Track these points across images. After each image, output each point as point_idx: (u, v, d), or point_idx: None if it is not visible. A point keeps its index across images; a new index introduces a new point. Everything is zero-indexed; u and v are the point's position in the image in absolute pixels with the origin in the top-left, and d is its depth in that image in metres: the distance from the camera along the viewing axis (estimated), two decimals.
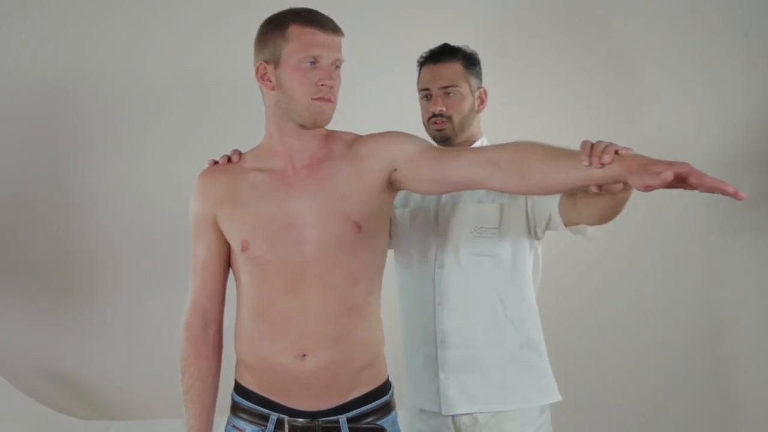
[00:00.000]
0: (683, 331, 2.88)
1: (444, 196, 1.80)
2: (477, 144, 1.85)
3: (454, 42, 1.88)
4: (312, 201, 1.50)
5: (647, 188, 1.15)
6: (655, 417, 2.89)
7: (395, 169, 1.51)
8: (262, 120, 1.58)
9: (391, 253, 1.88)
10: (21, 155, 2.78)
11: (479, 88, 1.87)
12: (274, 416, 1.53)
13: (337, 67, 1.49)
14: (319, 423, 1.51)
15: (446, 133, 1.81)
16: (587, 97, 2.84)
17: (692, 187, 1.13)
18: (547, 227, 1.72)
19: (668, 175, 1.11)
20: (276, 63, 1.49)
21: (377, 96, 2.70)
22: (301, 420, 1.51)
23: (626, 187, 1.31)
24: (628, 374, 2.87)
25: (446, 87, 1.81)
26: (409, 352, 1.86)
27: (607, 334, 2.85)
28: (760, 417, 2.89)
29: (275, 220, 1.50)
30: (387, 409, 1.57)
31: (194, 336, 1.59)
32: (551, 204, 1.65)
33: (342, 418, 1.51)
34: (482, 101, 1.88)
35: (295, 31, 1.47)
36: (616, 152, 1.20)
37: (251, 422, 1.54)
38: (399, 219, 1.86)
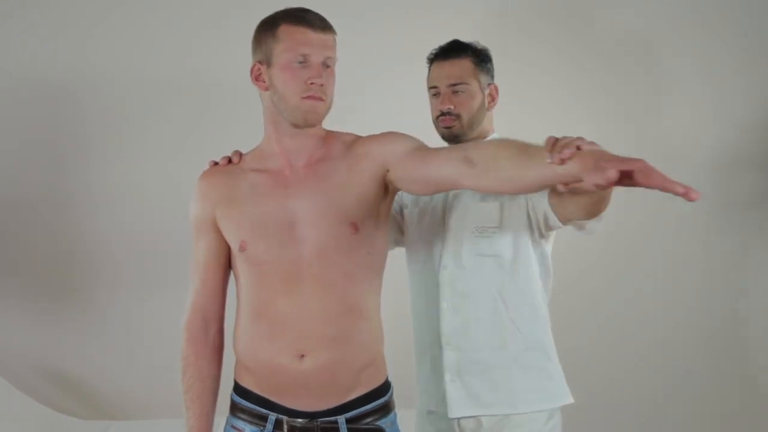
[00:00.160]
0: (683, 331, 2.88)
1: (450, 195, 1.78)
2: None
3: None
4: (309, 201, 1.50)
5: (599, 187, 1.09)
6: (655, 417, 2.89)
7: (388, 170, 1.50)
8: (262, 120, 1.58)
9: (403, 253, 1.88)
10: (21, 155, 2.78)
11: (490, 84, 1.84)
12: (272, 416, 1.52)
13: (329, 65, 1.49)
14: (318, 423, 1.50)
15: (455, 132, 1.78)
16: (587, 97, 2.84)
17: (641, 185, 1.05)
18: (547, 225, 1.69)
19: (612, 173, 1.04)
20: (268, 63, 1.49)
21: (377, 96, 2.70)
22: (299, 420, 1.51)
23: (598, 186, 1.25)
24: (628, 374, 2.87)
25: (455, 84, 1.78)
26: (419, 354, 1.86)
27: (607, 334, 2.85)
28: (761, 417, 2.89)
29: (273, 220, 1.50)
30: (386, 409, 1.57)
31: (194, 336, 1.59)
32: (544, 201, 1.63)
33: (341, 419, 1.51)
34: (493, 98, 1.84)
35: (284, 30, 1.47)
36: (579, 148, 1.14)
37: (250, 422, 1.54)
38: (408, 218, 1.85)
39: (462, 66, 1.80)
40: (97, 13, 2.77)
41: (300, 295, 1.49)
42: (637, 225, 2.82)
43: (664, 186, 1.02)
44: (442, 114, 1.79)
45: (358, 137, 1.57)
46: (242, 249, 1.52)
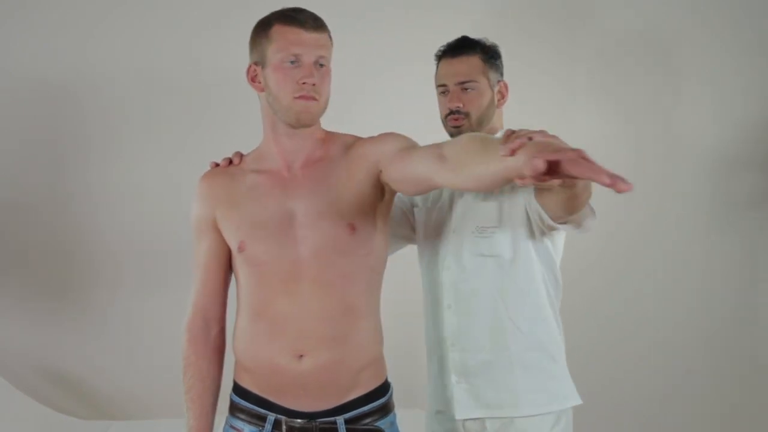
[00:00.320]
0: (683, 331, 2.88)
1: (455, 194, 1.76)
2: None
3: None
4: (307, 202, 1.50)
5: (535, 181, 1.01)
6: (655, 417, 2.89)
7: (381, 171, 1.50)
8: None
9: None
10: (21, 155, 2.78)
11: (499, 81, 1.81)
12: (271, 417, 1.52)
13: (322, 65, 1.48)
14: (317, 424, 1.50)
15: (464, 130, 1.74)
16: (587, 97, 2.84)
17: (570, 176, 0.97)
18: (545, 224, 1.65)
19: (537, 162, 0.97)
20: (263, 64, 1.49)
21: (377, 96, 2.70)
22: (298, 421, 1.50)
23: (569, 181, 1.18)
24: (628, 374, 2.87)
25: (463, 82, 1.75)
26: (428, 354, 1.84)
27: (607, 334, 2.85)
28: (761, 417, 2.89)
29: (271, 221, 1.50)
30: (386, 410, 1.56)
31: (195, 337, 1.59)
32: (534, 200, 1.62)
33: (340, 419, 1.50)
34: (503, 95, 1.82)
35: (277, 31, 1.47)
36: (530, 139, 1.06)
37: (249, 422, 1.54)
38: (417, 217, 1.84)
39: (471, 63, 1.77)
40: (97, 13, 2.77)
41: (299, 296, 1.48)
42: (637, 225, 2.82)
43: (591, 176, 0.93)
44: (451, 112, 1.76)
45: (358, 138, 1.56)
46: (241, 249, 1.52)
